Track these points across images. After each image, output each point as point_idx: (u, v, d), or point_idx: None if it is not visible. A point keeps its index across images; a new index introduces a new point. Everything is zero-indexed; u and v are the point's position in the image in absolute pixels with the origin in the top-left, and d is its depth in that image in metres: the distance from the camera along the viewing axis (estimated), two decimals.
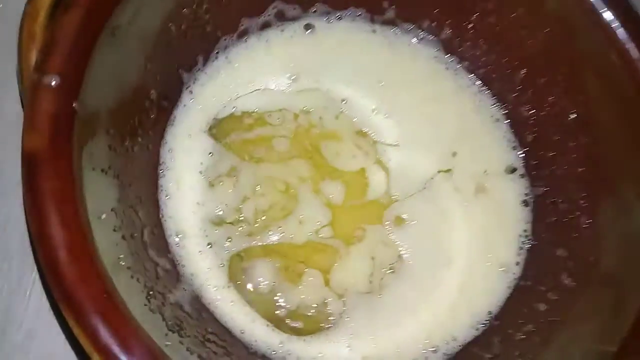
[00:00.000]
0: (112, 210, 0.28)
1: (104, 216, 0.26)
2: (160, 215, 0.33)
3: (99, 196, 0.27)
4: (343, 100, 0.37)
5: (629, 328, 0.27)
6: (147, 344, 0.23)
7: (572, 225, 0.34)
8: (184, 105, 0.35)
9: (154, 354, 0.23)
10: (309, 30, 0.38)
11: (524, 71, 0.36)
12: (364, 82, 0.38)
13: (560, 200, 0.35)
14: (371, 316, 0.33)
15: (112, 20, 0.27)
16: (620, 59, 0.31)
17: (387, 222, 0.35)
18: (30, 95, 0.24)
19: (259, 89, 0.37)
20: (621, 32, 0.31)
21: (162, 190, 0.33)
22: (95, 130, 0.27)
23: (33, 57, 0.27)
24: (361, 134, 0.37)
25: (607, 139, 0.32)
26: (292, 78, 0.37)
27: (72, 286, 0.23)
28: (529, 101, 0.37)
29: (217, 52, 0.36)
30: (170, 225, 0.33)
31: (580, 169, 0.34)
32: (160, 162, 0.34)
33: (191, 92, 0.35)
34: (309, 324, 0.33)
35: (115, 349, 0.22)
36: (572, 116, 0.34)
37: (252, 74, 0.37)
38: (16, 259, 0.36)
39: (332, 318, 0.33)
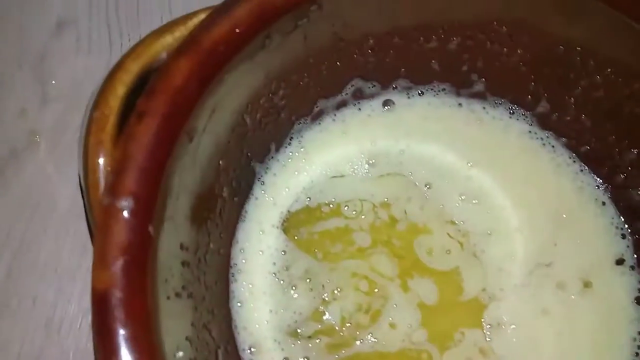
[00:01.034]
0: (186, 339, 0.24)
1: (180, 354, 0.23)
2: (233, 327, 0.29)
3: (175, 328, 0.23)
4: (427, 186, 0.33)
5: None
6: None
7: None
8: (256, 198, 0.32)
9: None
10: (387, 107, 0.34)
11: (635, 151, 0.32)
12: (450, 163, 0.34)
13: None
14: None
15: (189, 124, 0.24)
16: None
17: (488, 326, 0.31)
18: (101, 223, 0.21)
19: (334, 177, 0.33)
20: None
21: (234, 297, 0.30)
22: (169, 250, 0.24)
23: (100, 169, 0.24)
24: (451, 223, 0.33)
25: None
26: (371, 162, 0.34)
27: None
28: None
29: (291, 138, 0.33)
30: (243, 338, 0.29)
31: None
32: (232, 265, 0.30)
33: (263, 182, 0.32)
34: None
35: None
36: None
37: (327, 160, 0.33)
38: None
39: None
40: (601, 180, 0.34)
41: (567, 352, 0.31)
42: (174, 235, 0.24)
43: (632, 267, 0.33)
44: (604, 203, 0.34)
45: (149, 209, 0.22)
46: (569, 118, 0.34)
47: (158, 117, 0.23)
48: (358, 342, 0.30)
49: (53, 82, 0.39)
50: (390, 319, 0.31)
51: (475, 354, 0.31)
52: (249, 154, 0.30)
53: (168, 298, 0.23)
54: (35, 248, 0.35)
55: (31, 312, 0.34)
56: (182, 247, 0.25)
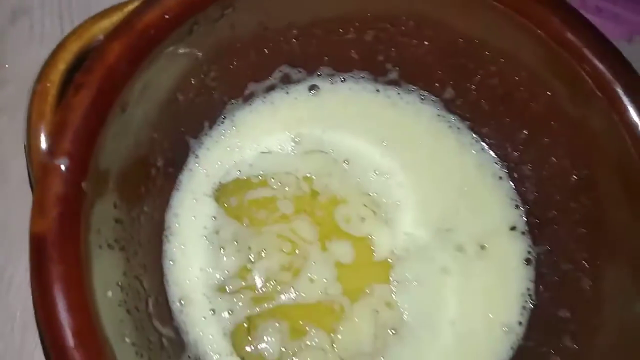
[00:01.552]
0: (117, 284, 0.28)
1: (110, 293, 0.26)
2: (165, 282, 0.33)
3: (106, 273, 0.27)
4: (345, 162, 0.38)
5: None
6: None
7: (574, 286, 0.34)
8: (190, 170, 0.35)
9: None
10: (313, 92, 0.39)
11: (526, 131, 0.37)
12: (367, 142, 0.38)
13: (562, 261, 0.35)
14: None
15: (122, 98, 0.27)
16: (623, 124, 0.31)
17: (395, 283, 0.35)
18: (39, 178, 0.25)
19: (263, 152, 0.37)
20: (622, 94, 0.31)
21: (166, 256, 0.34)
22: (102, 207, 0.27)
23: (41, 135, 0.27)
24: (366, 195, 0.37)
25: (608, 204, 0.32)
26: (297, 140, 0.38)
27: None
28: (531, 160, 0.37)
29: (224, 117, 0.37)
30: (174, 292, 0.33)
31: (582, 230, 0.34)
32: (165, 228, 0.34)
33: (197, 156, 0.36)
34: None
35: None
36: (574, 177, 0.35)
37: (257, 137, 0.37)
38: (19, 321, 0.36)
39: None
40: (498, 158, 0.39)
41: (464, 306, 0.36)
42: (107, 195, 0.28)
43: (523, 233, 0.37)
44: (500, 177, 0.38)
45: (83, 167, 0.25)
46: (471, 103, 0.38)
47: (93, 89, 0.26)
48: (281, 296, 0.34)
49: (7, 65, 0.42)
50: (310, 275, 0.35)
51: (382, 307, 0.35)
52: (182, 129, 0.34)
53: (100, 247, 0.27)
54: None
55: None
56: (115, 206, 0.29)
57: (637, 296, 0.30)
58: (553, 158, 0.36)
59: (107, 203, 0.28)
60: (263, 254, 0.35)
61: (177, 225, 0.34)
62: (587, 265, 0.34)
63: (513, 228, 0.38)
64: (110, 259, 0.28)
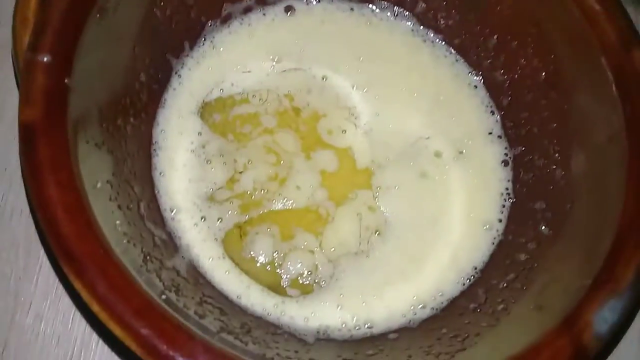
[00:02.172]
0: (107, 182, 0.29)
1: (99, 185, 0.28)
2: (156, 191, 0.35)
3: (94, 167, 0.28)
4: (324, 78, 0.39)
5: (601, 263, 0.28)
6: (143, 294, 0.25)
7: (548, 179, 0.35)
8: (174, 89, 0.37)
9: (151, 303, 0.25)
10: (289, 13, 0.40)
11: (495, 37, 0.38)
12: (343, 59, 0.40)
13: (537, 157, 0.37)
14: (360, 277, 0.35)
15: (99, 2, 0.29)
16: (582, 13, 0.32)
17: (377, 188, 0.37)
18: (24, 72, 0.26)
19: (244, 72, 0.38)
20: None
21: (155, 168, 0.35)
22: (88, 108, 0.29)
23: (27, 41, 0.29)
24: (346, 109, 0.39)
25: (574, 91, 0.34)
26: (275, 60, 0.39)
27: (71, 242, 0.24)
28: (503, 66, 0.38)
29: (203, 38, 0.38)
30: (165, 201, 0.35)
31: (553, 125, 0.36)
32: (153, 142, 0.36)
33: (180, 76, 0.37)
34: (303, 288, 0.35)
35: (113, 298, 0.24)
36: (543, 75, 0.36)
37: (236, 58, 0.39)
38: (22, 246, 0.38)
39: (323, 282, 0.35)
40: (472, 68, 0.40)
41: (445, 208, 0.37)
42: (92, 98, 0.29)
43: (500, 137, 0.39)
44: (475, 86, 0.40)
45: (65, 64, 0.27)
46: (442, 15, 0.40)
47: None
48: (269, 204, 0.36)
49: None
50: (296, 183, 0.36)
51: (365, 210, 0.37)
52: (163, 47, 0.36)
53: (87, 142, 0.28)
54: None
55: None
56: (100, 111, 0.30)
57: (602, 176, 0.32)
58: (522, 60, 0.37)
59: (93, 105, 0.30)
60: (249, 166, 0.36)
61: (164, 140, 0.36)
62: (558, 157, 0.35)
63: (490, 133, 0.39)
64: (98, 157, 0.29)
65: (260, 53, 0.39)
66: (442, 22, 0.40)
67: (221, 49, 0.39)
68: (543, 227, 0.34)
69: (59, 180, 0.25)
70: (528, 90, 0.37)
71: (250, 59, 0.39)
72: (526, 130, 0.38)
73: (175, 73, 0.37)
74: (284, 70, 0.39)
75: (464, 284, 0.35)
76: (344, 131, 0.38)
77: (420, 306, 0.35)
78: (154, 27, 0.34)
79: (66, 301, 0.37)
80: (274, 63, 0.39)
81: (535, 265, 0.33)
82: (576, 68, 0.33)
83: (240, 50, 0.39)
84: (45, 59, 0.26)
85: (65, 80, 0.27)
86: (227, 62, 0.38)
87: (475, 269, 0.36)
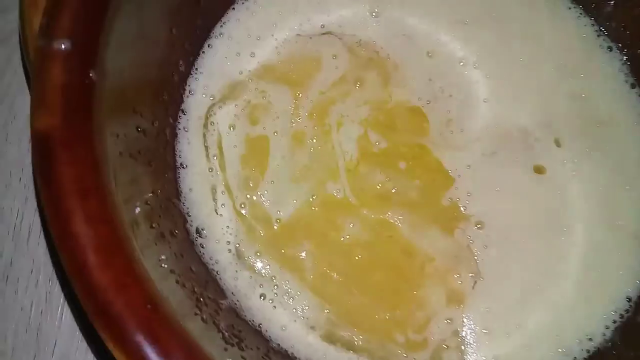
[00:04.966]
0: (146, 203, 0.23)
1: (137, 209, 0.21)
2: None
3: (131, 186, 0.22)
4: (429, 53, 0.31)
5: None
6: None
7: None
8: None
9: None
10: None
11: None
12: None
13: None
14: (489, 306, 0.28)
15: None
16: None
17: (468, 194, 0.29)
18: (37, 65, 0.20)
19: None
20: None
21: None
22: (119, 107, 0.22)
23: (37, 24, 0.22)
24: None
25: None
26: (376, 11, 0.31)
27: (107, 296, 0.18)
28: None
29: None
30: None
31: None
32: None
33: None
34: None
35: None
36: None
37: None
38: (43, 273, 0.32)
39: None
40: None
41: (581, 211, 0.29)
42: (123, 96, 0.23)
43: None
44: (610, 48, 0.31)
45: (88, 52, 0.20)
46: None
47: None
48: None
49: None
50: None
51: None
52: (205, 27, 0.29)
53: (120, 154, 0.22)
54: None
55: None
56: (134, 110, 0.24)
57: None
58: None
59: (125, 105, 0.23)
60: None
61: (214, 144, 0.29)
62: None
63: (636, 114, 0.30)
64: (135, 172, 0.23)
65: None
66: None
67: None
68: None
69: (87, 210, 0.18)
70: None
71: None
72: None
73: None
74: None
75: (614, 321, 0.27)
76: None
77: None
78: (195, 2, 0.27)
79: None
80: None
81: None
82: None
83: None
84: (63, 47, 0.20)
85: (90, 74, 0.20)
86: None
87: (630, 300, 0.28)
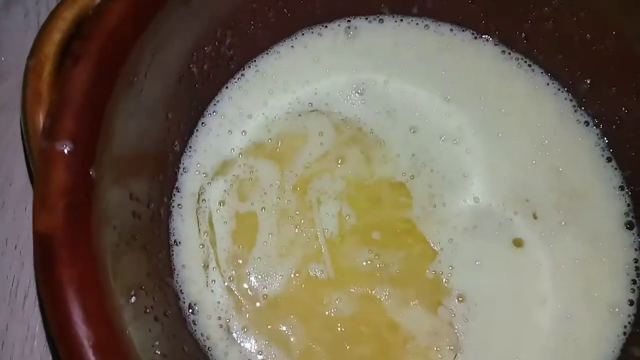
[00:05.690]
0: (142, 288, 0.24)
1: (133, 299, 0.22)
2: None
3: (127, 274, 0.23)
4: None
5: None
6: None
7: None
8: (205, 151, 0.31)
9: None
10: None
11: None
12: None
13: None
14: None
15: (128, 67, 0.23)
16: None
17: (450, 267, 0.31)
18: (40, 166, 0.21)
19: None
20: None
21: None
22: (116, 198, 0.23)
23: (40, 119, 0.23)
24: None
25: None
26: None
27: None
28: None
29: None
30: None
31: None
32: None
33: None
34: None
35: None
36: None
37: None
38: (38, 339, 0.32)
39: None
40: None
41: (557, 284, 0.30)
42: (121, 184, 0.24)
43: (622, 188, 0.31)
44: (586, 123, 0.32)
45: (89, 151, 0.21)
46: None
47: (94, 58, 0.22)
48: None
49: (2, 58, 0.38)
50: None
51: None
52: (199, 108, 0.30)
53: (117, 245, 0.23)
54: None
55: None
56: (131, 197, 0.25)
57: None
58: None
59: (122, 193, 0.24)
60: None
61: (204, 221, 0.30)
62: None
63: (608, 185, 0.31)
64: (131, 259, 0.24)
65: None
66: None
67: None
68: None
69: (86, 309, 0.19)
70: None
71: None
72: None
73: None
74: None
75: None
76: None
77: None
78: (189, 86, 0.28)
79: None
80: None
81: None
82: None
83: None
84: (66, 149, 0.21)
85: (90, 172, 0.21)
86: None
87: None
